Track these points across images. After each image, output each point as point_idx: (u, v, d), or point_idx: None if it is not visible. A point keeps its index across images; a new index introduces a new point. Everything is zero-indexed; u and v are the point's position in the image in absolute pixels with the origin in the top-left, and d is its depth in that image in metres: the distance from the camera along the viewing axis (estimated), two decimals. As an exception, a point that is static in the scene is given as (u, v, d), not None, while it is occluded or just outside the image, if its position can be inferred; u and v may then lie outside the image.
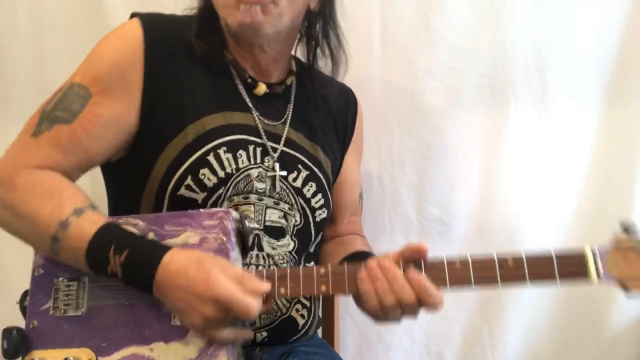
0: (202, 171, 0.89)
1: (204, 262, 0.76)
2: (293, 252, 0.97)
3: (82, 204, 0.82)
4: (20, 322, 0.87)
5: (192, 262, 0.76)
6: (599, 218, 1.30)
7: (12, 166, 0.85)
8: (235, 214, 0.84)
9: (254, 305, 0.75)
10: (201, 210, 0.85)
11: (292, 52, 1.06)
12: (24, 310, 0.86)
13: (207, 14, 0.96)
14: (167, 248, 0.79)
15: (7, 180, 0.84)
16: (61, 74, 1.26)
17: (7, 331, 0.82)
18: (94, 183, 1.04)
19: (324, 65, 1.06)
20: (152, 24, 0.93)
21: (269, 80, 1.02)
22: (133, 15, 0.95)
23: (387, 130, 1.36)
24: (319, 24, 1.02)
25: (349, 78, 1.16)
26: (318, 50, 1.04)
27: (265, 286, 0.78)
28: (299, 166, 0.99)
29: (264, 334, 0.94)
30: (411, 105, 1.35)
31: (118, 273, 0.78)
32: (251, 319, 0.80)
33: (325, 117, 1.08)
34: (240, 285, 0.75)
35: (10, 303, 1.34)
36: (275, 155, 0.97)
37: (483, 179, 1.34)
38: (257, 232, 0.93)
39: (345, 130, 1.12)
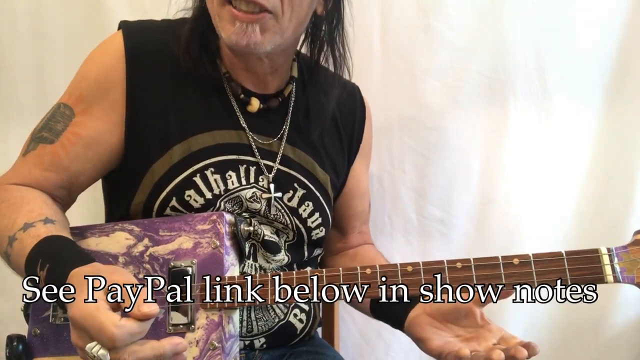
0: (187, 192, 0.87)
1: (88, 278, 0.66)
2: (285, 267, 0.95)
3: (34, 219, 0.78)
4: (21, 322, 0.87)
5: (79, 281, 0.66)
6: (599, 218, 1.30)
7: None
8: (229, 217, 0.83)
9: (113, 331, 0.60)
10: (195, 214, 0.84)
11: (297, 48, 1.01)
12: (27, 317, 0.87)
13: (201, 19, 0.91)
14: (78, 264, 0.70)
15: None
16: (61, 74, 1.27)
17: (10, 339, 0.83)
18: (95, 190, 1.04)
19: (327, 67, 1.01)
20: (136, 36, 0.90)
21: (266, 91, 0.97)
22: (120, 26, 0.92)
23: (387, 130, 1.36)
24: (325, 28, 0.96)
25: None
26: (322, 53, 0.98)
27: (149, 308, 0.62)
28: (295, 185, 0.96)
29: (262, 340, 0.92)
30: (411, 105, 1.34)
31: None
32: (117, 346, 0.61)
33: (327, 122, 1.03)
34: (114, 305, 0.64)
35: (11, 303, 1.36)
36: (271, 175, 0.94)
37: (483, 179, 1.34)
38: (254, 242, 0.91)
39: (351, 137, 1.07)
